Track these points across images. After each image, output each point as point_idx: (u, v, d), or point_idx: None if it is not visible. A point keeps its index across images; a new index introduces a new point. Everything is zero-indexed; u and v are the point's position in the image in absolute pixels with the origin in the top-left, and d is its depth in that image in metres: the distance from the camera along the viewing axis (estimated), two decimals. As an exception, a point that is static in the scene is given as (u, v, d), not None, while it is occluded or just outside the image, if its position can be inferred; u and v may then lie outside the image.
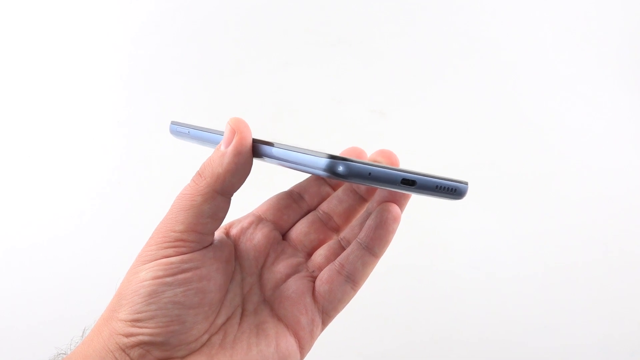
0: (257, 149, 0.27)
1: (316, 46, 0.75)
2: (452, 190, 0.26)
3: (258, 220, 0.32)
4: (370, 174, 0.24)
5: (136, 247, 0.28)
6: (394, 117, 0.74)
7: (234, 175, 0.27)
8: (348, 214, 0.32)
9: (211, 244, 0.29)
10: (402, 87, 0.75)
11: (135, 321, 0.25)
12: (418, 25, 0.75)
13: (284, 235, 0.33)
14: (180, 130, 0.33)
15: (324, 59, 0.75)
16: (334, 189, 0.33)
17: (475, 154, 0.74)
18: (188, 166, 0.75)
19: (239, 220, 0.33)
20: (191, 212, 0.27)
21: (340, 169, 0.23)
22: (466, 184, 0.27)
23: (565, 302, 0.71)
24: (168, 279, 0.26)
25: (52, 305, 0.70)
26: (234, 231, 0.32)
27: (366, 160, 0.25)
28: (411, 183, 0.25)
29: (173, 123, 0.34)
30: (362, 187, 0.32)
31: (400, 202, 0.30)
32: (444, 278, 0.72)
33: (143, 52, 0.75)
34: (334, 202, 0.32)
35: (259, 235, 0.31)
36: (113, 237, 0.71)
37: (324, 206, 0.33)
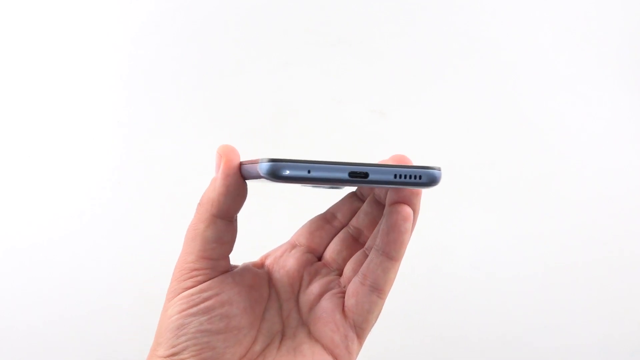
0: (244, 170, 0.27)
1: (316, 46, 0.75)
2: (416, 178, 0.24)
3: (291, 247, 0.33)
4: (309, 171, 0.23)
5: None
6: (394, 117, 0.74)
7: (227, 198, 0.28)
8: (375, 225, 0.32)
9: (228, 270, 0.30)
10: (402, 87, 0.75)
11: (172, 355, 0.27)
12: (418, 25, 0.75)
13: (321, 257, 0.33)
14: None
15: (324, 59, 0.75)
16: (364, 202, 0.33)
17: (475, 154, 0.74)
18: (188, 166, 0.75)
19: (274, 251, 0.34)
20: (197, 241, 0.28)
21: (282, 171, 0.22)
22: (437, 169, 0.24)
23: (565, 302, 0.71)
24: (192, 310, 0.27)
25: (52, 306, 0.70)
26: (268, 261, 0.33)
27: (309, 159, 0.23)
28: (363, 175, 0.23)
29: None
30: (382, 194, 0.31)
31: (410, 201, 0.28)
32: (443, 278, 0.72)
33: (143, 52, 0.75)
34: (362, 215, 0.32)
35: (290, 261, 0.32)
36: (113, 237, 0.71)
37: (354, 221, 0.33)
